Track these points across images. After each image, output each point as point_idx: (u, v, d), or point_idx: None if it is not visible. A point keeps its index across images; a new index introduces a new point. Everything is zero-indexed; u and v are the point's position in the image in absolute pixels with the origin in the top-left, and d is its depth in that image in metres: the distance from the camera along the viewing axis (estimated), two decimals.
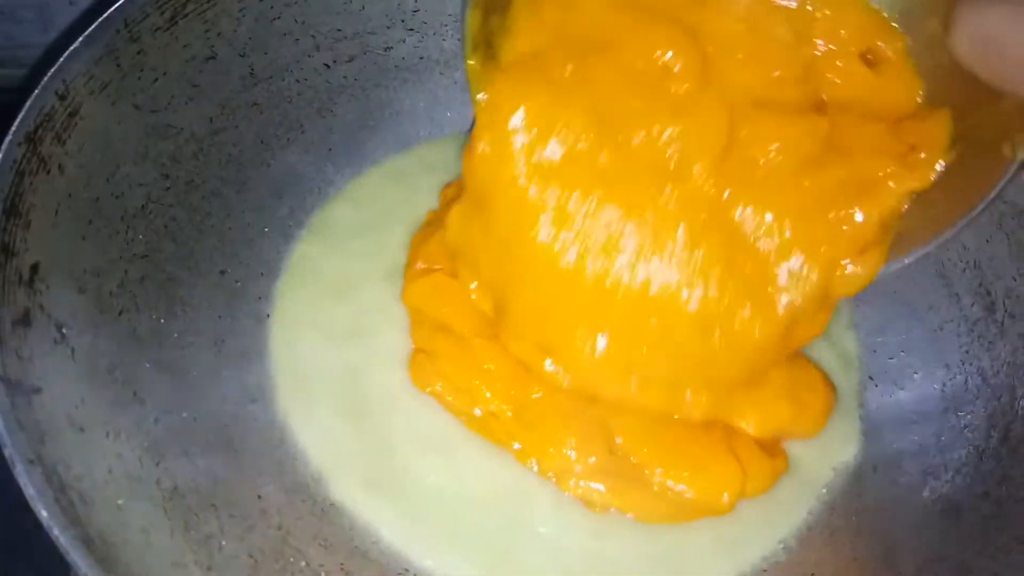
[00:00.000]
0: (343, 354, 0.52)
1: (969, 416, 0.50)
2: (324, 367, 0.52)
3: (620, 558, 0.47)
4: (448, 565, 0.46)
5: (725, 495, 0.47)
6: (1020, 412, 0.49)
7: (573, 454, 0.48)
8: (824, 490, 0.51)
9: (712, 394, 0.48)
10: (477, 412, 0.50)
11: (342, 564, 0.45)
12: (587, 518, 0.48)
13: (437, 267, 0.53)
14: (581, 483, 0.48)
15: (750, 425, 0.49)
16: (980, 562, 0.44)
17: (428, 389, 0.51)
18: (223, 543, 0.42)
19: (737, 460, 0.48)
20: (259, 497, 0.45)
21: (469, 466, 0.49)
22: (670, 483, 0.48)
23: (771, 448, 0.50)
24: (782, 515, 0.50)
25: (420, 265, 0.54)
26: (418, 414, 0.51)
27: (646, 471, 0.48)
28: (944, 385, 0.52)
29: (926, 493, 0.49)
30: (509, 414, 0.49)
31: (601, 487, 0.48)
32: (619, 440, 0.48)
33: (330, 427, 0.50)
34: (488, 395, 0.49)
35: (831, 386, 0.53)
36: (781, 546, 0.49)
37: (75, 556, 0.34)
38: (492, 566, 0.46)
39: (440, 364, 0.51)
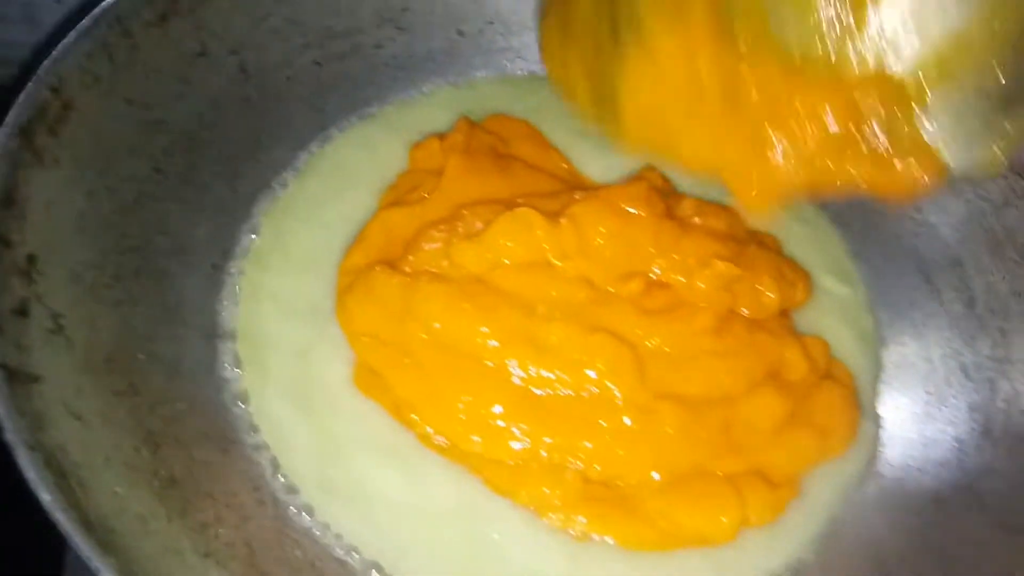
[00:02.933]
0: (300, 332, 0.51)
1: (951, 411, 0.51)
2: (280, 343, 0.50)
3: None
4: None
5: (723, 519, 0.46)
6: (1001, 406, 0.50)
7: (547, 490, 0.46)
8: (832, 513, 0.49)
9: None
10: (439, 440, 0.47)
11: (336, 556, 0.45)
12: (564, 540, 0.46)
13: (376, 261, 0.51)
14: (560, 516, 0.46)
15: (779, 469, 0.48)
16: (962, 551, 0.45)
17: (378, 401, 0.49)
18: (220, 531, 0.42)
19: (736, 490, 0.46)
20: (255, 488, 0.46)
21: (429, 479, 0.47)
22: (664, 510, 0.46)
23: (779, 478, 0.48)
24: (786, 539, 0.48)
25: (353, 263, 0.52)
26: (367, 415, 0.48)
27: (635, 496, 0.46)
28: (926, 380, 0.53)
29: (911, 487, 0.49)
30: (477, 439, 0.47)
31: (582, 519, 0.46)
32: (598, 468, 0.46)
33: (281, 414, 0.48)
34: (446, 424, 0.47)
35: (854, 401, 0.52)
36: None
37: (76, 539, 0.34)
38: None
39: (389, 384, 0.48)
